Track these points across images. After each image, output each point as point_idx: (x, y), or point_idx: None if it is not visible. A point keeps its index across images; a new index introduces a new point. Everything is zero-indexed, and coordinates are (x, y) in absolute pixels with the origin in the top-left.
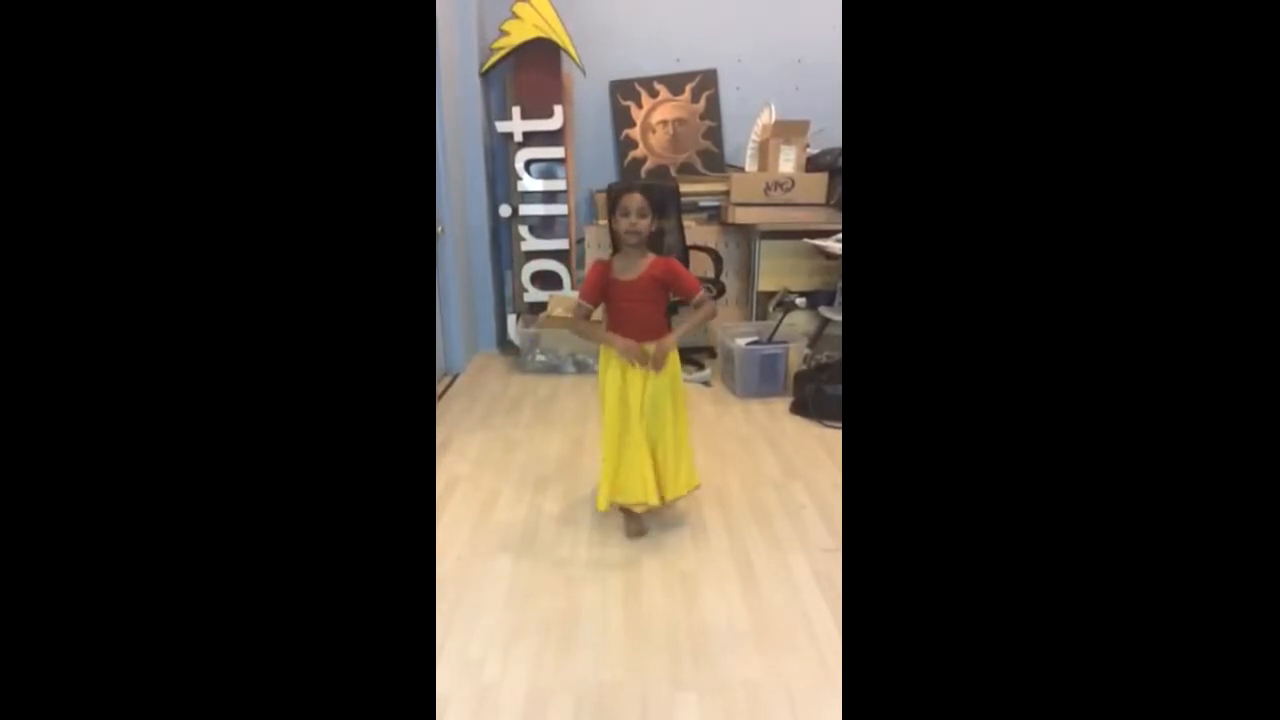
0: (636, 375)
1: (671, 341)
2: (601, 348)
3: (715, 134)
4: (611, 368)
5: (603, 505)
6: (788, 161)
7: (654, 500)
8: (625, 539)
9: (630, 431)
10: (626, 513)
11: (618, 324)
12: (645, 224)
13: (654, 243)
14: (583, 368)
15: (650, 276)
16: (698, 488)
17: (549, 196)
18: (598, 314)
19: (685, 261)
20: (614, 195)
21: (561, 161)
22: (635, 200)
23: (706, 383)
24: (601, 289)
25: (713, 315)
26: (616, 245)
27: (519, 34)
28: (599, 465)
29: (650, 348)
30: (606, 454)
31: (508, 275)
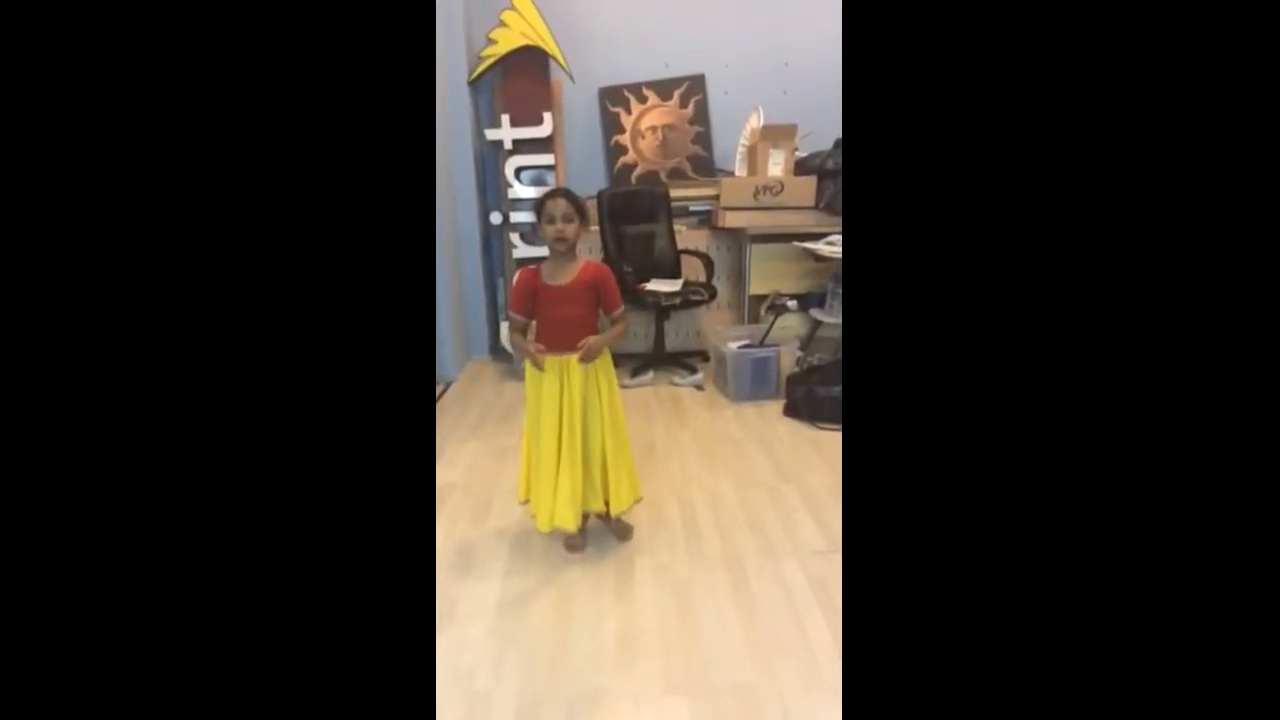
0: (576, 384)
1: (597, 342)
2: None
3: (704, 139)
4: (548, 375)
5: (546, 526)
6: (776, 165)
7: (572, 526)
8: (619, 544)
9: (566, 445)
10: (617, 521)
11: (548, 330)
12: (572, 229)
13: (645, 247)
14: None
15: (582, 282)
16: (640, 500)
17: None
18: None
19: (678, 265)
20: (539, 202)
21: (551, 168)
22: (560, 206)
23: (699, 386)
24: (531, 297)
25: (623, 335)
26: (614, 251)
27: (507, 42)
28: (531, 480)
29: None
30: (545, 469)
31: (500, 282)
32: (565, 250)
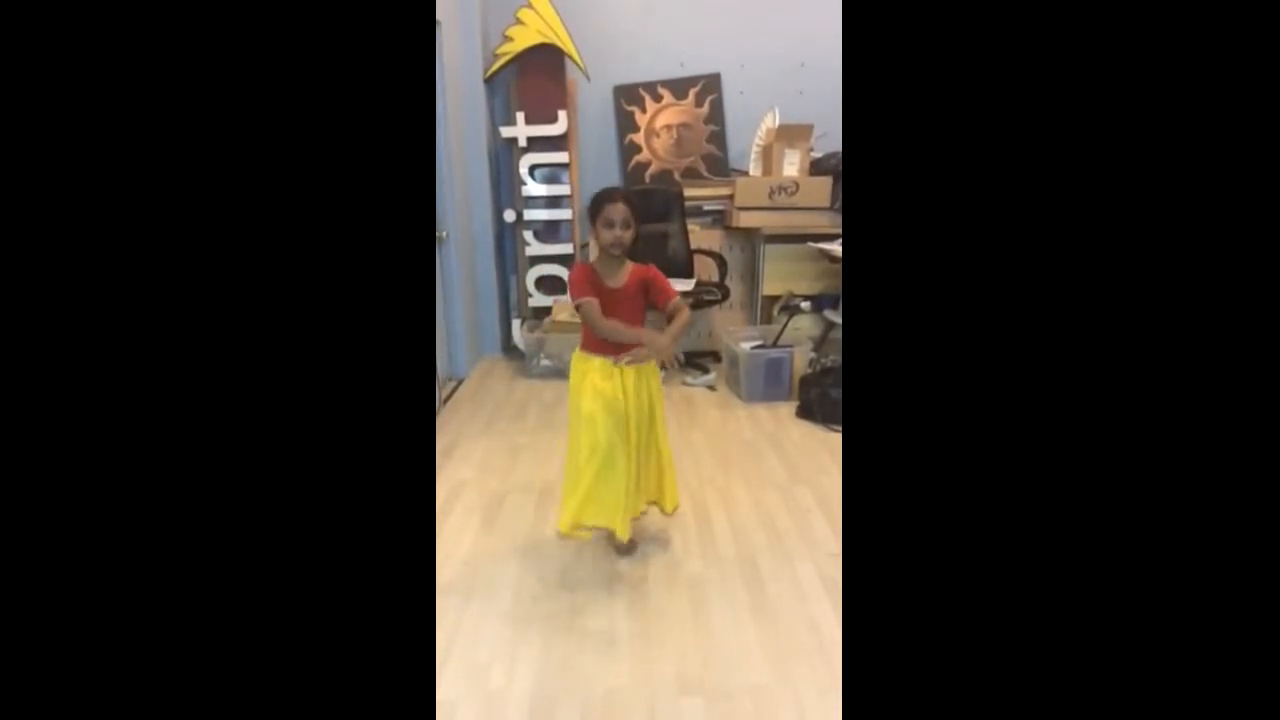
0: (630, 385)
1: (666, 342)
2: (574, 362)
3: (719, 138)
4: (590, 379)
5: (624, 533)
6: (792, 165)
7: (624, 533)
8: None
9: (621, 449)
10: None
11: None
12: (629, 235)
13: (658, 246)
14: None
15: (635, 283)
16: (679, 506)
17: (553, 201)
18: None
19: (690, 266)
20: (597, 203)
21: (565, 166)
22: (620, 211)
23: (711, 387)
24: (595, 292)
25: (690, 322)
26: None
27: (523, 39)
28: (577, 484)
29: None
30: (599, 473)
31: (512, 280)
32: (620, 254)
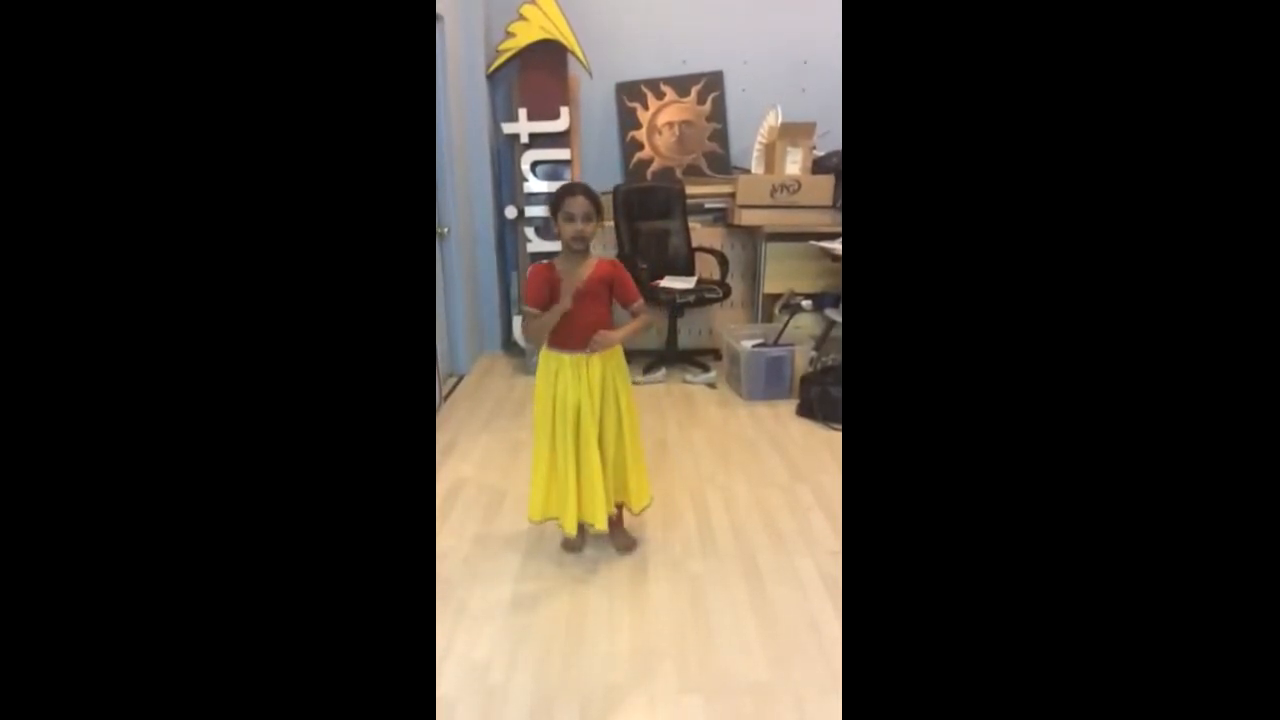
0: (595, 377)
1: (614, 337)
2: (542, 359)
3: (721, 136)
4: (563, 375)
5: (571, 528)
6: (794, 163)
7: (602, 525)
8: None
9: (587, 443)
10: (621, 533)
11: (566, 327)
12: (591, 228)
13: (659, 244)
14: None
15: (599, 277)
16: (650, 504)
17: None
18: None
19: (692, 263)
20: (557, 198)
21: (567, 163)
22: (580, 204)
23: (712, 384)
24: (549, 292)
25: (649, 326)
26: (628, 247)
27: (525, 35)
28: (538, 479)
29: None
30: (561, 468)
31: (513, 276)
32: (582, 249)
